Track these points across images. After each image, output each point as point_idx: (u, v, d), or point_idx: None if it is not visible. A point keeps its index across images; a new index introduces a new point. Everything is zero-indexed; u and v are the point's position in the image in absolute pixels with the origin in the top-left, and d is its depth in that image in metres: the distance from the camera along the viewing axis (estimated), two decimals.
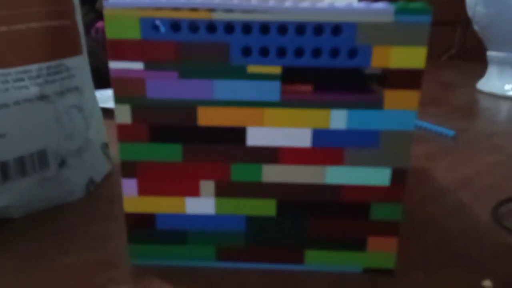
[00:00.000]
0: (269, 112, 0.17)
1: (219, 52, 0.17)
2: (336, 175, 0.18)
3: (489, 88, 0.69)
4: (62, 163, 0.25)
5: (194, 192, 0.19)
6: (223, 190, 0.18)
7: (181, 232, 0.19)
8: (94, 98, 0.29)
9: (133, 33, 0.16)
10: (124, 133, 0.18)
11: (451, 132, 0.42)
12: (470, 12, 0.69)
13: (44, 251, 0.21)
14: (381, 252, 0.19)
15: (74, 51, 0.26)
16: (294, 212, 0.19)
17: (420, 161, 0.35)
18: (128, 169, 0.18)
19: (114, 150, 0.35)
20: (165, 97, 0.17)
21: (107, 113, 0.48)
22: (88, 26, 0.67)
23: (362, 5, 0.16)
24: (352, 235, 0.19)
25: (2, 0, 0.21)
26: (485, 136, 0.43)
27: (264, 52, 0.17)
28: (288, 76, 0.18)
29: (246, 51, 0.17)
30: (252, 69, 0.17)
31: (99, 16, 0.68)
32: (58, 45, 0.24)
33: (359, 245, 0.19)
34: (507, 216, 0.25)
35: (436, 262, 0.21)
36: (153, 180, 0.18)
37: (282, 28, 0.16)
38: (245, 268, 0.20)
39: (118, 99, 0.17)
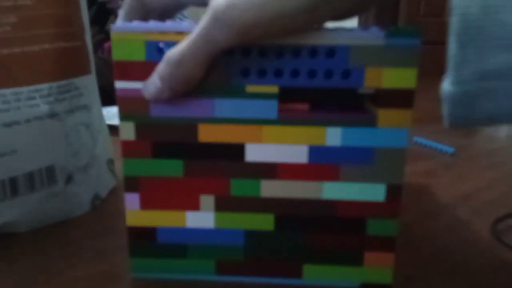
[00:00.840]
0: (267, 129, 0.18)
1: (220, 73, 0.18)
2: (332, 190, 0.19)
3: None
4: (69, 179, 0.26)
5: (195, 206, 0.19)
6: (223, 205, 0.19)
7: (181, 246, 0.20)
8: (101, 116, 0.30)
9: (139, 55, 0.17)
10: (128, 149, 0.19)
11: (450, 149, 0.42)
12: None
13: (51, 265, 0.21)
14: (378, 267, 0.20)
15: (84, 70, 0.27)
16: (291, 226, 0.19)
17: (420, 177, 0.35)
18: (131, 184, 0.19)
19: (119, 165, 0.36)
20: (168, 115, 0.18)
21: (114, 130, 0.49)
22: (96, 46, 0.68)
23: (354, 29, 0.17)
24: (349, 250, 0.19)
25: (17, 23, 0.22)
26: (484, 153, 0.44)
27: (262, 73, 0.18)
28: (286, 95, 0.19)
29: (245, 72, 0.18)
30: (250, 88, 0.18)
31: (109, 36, 0.70)
32: (69, 65, 0.25)
33: (356, 260, 0.20)
34: (506, 232, 0.26)
35: (435, 276, 0.21)
36: (155, 195, 0.19)
37: (279, 51, 0.17)
38: (244, 282, 0.20)
39: (123, 116, 0.18)
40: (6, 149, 0.23)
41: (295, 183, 0.19)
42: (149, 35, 0.17)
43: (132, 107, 0.18)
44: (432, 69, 1.82)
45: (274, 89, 0.18)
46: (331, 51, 0.17)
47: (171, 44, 0.17)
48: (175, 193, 0.19)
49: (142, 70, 0.18)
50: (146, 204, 0.19)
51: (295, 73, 0.18)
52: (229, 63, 0.17)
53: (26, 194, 0.24)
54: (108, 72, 0.57)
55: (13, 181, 0.23)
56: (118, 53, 0.17)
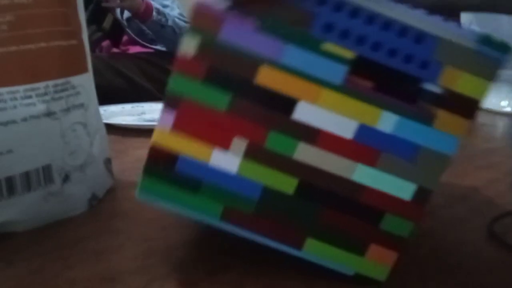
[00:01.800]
0: (326, 93, 0.18)
1: (304, 19, 0.17)
2: (364, 175, 0.18)
3: (485, 104, 0.70)
4: (66, 178, 0.26)
5: (225, 145, 0.18)
6: (253, 153, 0.18)
7: (197, 181, 0.19)
8: (98, 114, 0.30)
9: None
10: (182, 64, 0.18)
11: None
12: None
13: (48, 266, 0.21)
14: (377, 262, 0.19)
15: (80, 69, 0.27)
16: (310, 197, 0.19)
17: None
18: (172, 101, 0.18)
19: (116, 165, 0.36)
20: (236, 43, 0.17)
21: (111, 128, 0.49)
22: (94, 45, 0.68)
23: (451, 24, 0.17)
24: (357, 237, 0.19)
25: (13, 21, 0.22)
26: (481, 152, 0.44)
27: (345, 34, 0.17)
28: (356, 67, 0.18)
29: (329, 27, 0.17)
30: (327, 46, 0.17)
31: (106, 35, 0.70)
32: (65, 63, 0.25)
33: (360, 249, 0.19)
34: (503, 231, 0.26)
35: (431, 275, 0.21)
36: (191, 120, 0.18)
37: (371, 18, 0.17)
38: (241, 244, 0.19)
39: (191, 29, 0.17)
40: (3, 149, 0.22)
41: (330, 155, 0.18)
42: None
43: (203, 23, 0.17)
44: None
45: (350, 54, 0.17)
46: (420, 37, 0.17)
47: None
48: (211, 125, 0.18)
49: None
50: (178, 127, 0.18)
51: (376, 46, 0.17)
52: (317, 12, 0.17)
53: (23, 193, 0.24)
54: (105, 71, 0.57)
55: (9, 181, 0.23)
56: None
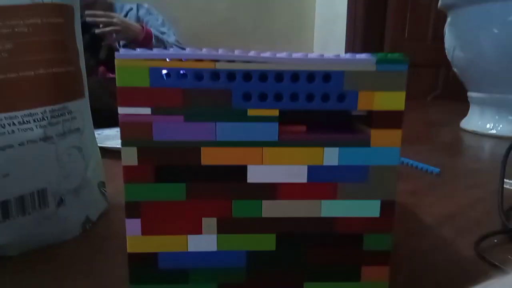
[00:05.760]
0: (268, 151, 0.19)
1: (222, 98, 0.19)
2: (330, 208, 0.20)
3: (471, 126, 0.71)
4: (61, 202, 0.26)
5: (197, 230, 0.19)
6: (225, 227, 0.19)
7: (183, 271, 0.20)
8: (93, 138, 0.30)
9: (143, 81, 0.18)
10: (131, 175, 0.19)
11: (436, 170, 0.44)
12: (448, 56, 0.73)
13: None
14: (374, 282, 0.20)
15: (77, 95, 0.27)
16: (292, 245, 0.20)
17: (406, 196, 0.36)
18: (133, 209, 0.19)
19: (110, 188, 0.36)
20: (171, 139, 0.19)
21: (105, 152, 0.49)
22: (89, 71, 0.69)
23: (348, 56, 0.19)
24: (347, 265, 0.20)
25: (13, 49, 0.23)
26: (469, 172, 0.45)
27: (263, 97, 0.19)
28: (285, 118, 0.20)
29: (247, 97, 0.19)
30: (252, 112, 0.19)
31: (100, 63, 0.71)
32: (63, 89, 0.26)
33: (354, 275, 0.20)
34: (490, 250, 0.26)
35: None
36: (157, 219, 0.19)
37: (279, 76, 0.19)
38: None
39: (125, 142, 0.19)
40: None
41: (295, 202, 0.19)
42: (153, 62, 0.18)
43: (135, 132, 0.19)
44: (418, 91, 1.87)
45: (274, 112, 0.19)
46: (327, 76, 0.19)
47: (174, 71, 0.18)
48: (177, 217, 0.19)
49: (146, 96, 0.18)
50: (147, 230, 0.19)
51: (294, 97, 0.19)
52: (232, 88, 0.18)
53: (18, 217, 0.24)
54: (101, 94, 0.58)
55: (4, 205, 0.23)
56: (123, 80, 0.18)
